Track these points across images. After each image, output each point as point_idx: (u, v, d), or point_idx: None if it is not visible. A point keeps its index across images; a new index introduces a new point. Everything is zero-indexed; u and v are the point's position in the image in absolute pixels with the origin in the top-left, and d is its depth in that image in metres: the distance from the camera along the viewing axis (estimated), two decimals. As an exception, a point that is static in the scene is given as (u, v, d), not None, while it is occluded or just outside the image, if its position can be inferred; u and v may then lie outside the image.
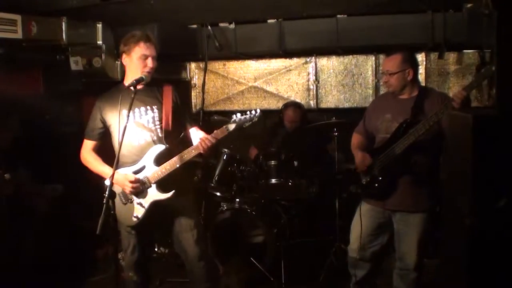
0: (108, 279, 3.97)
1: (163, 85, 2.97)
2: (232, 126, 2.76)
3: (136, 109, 2.87)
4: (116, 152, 2.90)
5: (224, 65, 5.38)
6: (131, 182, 2.80)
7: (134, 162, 2.88)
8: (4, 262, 3.61)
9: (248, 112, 2.77)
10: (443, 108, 2.74)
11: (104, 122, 2.92)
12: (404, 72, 2.99)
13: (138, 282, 2.99)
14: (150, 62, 2.82)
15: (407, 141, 2.89)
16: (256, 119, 2.77)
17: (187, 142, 3.00)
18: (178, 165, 2.81)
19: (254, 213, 3.97)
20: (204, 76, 4.68)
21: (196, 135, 2.98)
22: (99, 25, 4.27)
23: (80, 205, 4.59)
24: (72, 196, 4.63)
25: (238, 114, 2.77)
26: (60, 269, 4.08)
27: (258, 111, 2.78)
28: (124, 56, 2.88)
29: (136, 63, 2.83)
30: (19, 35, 3.55)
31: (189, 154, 2.81)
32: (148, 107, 2.88)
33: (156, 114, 2.88)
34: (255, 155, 4.50)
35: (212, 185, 4.24)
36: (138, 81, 2.72)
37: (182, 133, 3.11)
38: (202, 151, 2.80)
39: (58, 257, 4.16)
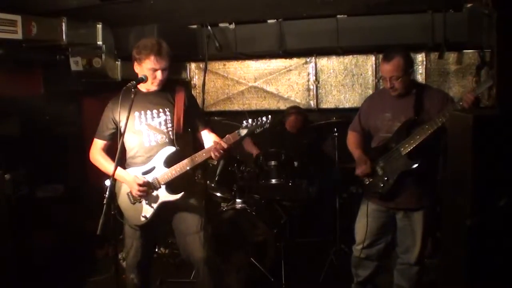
0: (108, 280, 3.96)
1: (176, 87, 2.99)
2: (243, 132, 2.77)
3: (148, 112, 2.89)
4: (128, 153, 2.95)
5: (224, 65, 5.38)
6: (139, 185, 2.81)
7: (145, 163, 2.89)
8: (4, 262, 3.61)
9: (259, 118, 2.78)
10: (451, 108, 2.74)
11: (115, 123, 2.92)
12: (408, 73, 3.00)
13: (138, 284, 2.99)
14: (159, 75, 2.82)
15: (414, 141, 2.89)
16: (268, 125, 2.78)
17: (199, 145, 3.01)
18: (188, 168, 2.83)
19: (254, 213, 3.97)
20: (204, 76, 4.67)
21: (208, 138, 3.00)
22: (99, 25, 4.27)
23: (80, 205, 4.60)
24: (72, 196, 4.64)
25: (250, 120, 2.78)
26: (60, 269, 4.08)
27: (270, 117, 2.79)
28: (135, 63, 2.89)
29: (146, 73, 2.83)
30: (19, 35, 3.54)
31: (200, 157, 2.82)
32: (161, 110, 2.90)
33: (169, 117, 2.90)
34: (256, 155, 4.49)
35: (213, 185, 4.24)
36: (138, 81, 2.74)
37: (192, 136, 3.10)
38: (213, 157, 2.80)
39: (58, 257, 4.17)
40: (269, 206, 4.32)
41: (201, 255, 2.91)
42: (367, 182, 3.14)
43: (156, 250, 4.44)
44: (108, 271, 4.04)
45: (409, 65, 3.01)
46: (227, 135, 2.83)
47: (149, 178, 2.86)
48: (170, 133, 2.89)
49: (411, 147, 2.91)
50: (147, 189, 2.84)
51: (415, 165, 2.93)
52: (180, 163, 2.83)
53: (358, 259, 3.29)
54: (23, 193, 4.24)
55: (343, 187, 4.50)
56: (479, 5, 3.43)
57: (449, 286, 2.32)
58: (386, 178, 3.04)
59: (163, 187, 2.86)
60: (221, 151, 2.78)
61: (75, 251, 4.33)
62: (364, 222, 3.20)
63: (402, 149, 2.95)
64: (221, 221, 4.01)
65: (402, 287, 3.24)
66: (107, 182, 2.71)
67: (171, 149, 2.86)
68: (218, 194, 4.28)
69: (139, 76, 2.82)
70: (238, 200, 4.07)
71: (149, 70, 2.82)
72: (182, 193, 2.85)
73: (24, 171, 4.29)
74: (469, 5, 3.96)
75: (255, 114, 5.13)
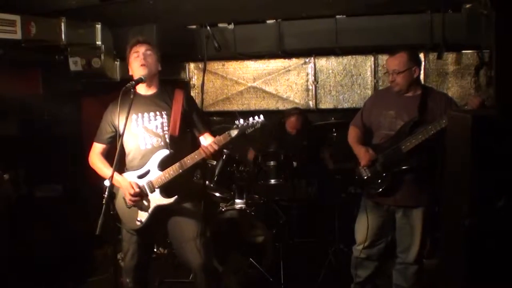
0: (107, 280, 3.96)
1: (175, 90, 2.98)
2: (234, 132, 2.73)
3: (145, 114, 2.88)
4: (126, 156, 2.93)
5: (223, 65, 5.38)
6: (131, 195, 2.79)
7: (140, 166, 2.87)
8: (3, 262, 3.60)
9: (251, 119, 2.74)
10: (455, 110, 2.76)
11: (114, 126, 2.92)
12: (411, 70, 3.02)
13: None
14: (142, 54, 2.86)
15: (416, 140, 2.91)
16: (259, 125, 2.74)
17: (197, 148, 2.99)
18: (180, 171, 2.79)
19: (253, 213, 3.97)
20: (203, 76, 4.66)
21: (206, 142, 2.94)
22: (98, 26, 4.27)
23: (79, 205, 4.60)
24: (71, 196, 4.64)
25: (241, 120, 2.74)
26: (59, 269, 4.08)
27: (262, 118, 2.75)
28: (128, 64, 2.94)
29: (132, 62, 2.89)
30: (18, 35, 3.54)
31: (192, 159, 2.78)
32: (158, 113, 2.88)
33: (165, 120, 2.87)
34: (254, 156, 4.50)
35: (212, 185, 4.24)
36: (137, 82, 2.73)
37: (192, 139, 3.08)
38: (205, 157, 2.78)
39: (57, 257, 4.17)
40: (268, 206, 4.32)
41: (198, 262, 2.84)
42: (366, 177, 3.15)
43: (155, 250, 4.45)
44: (107, 271, 4.05)
45: (413, 62, 3.03)
46: (217, 136, 2.80)
47: (144, 181, 2.84)
48: (166, 136, 2.86)
49: (412, 146, 2.93)
50: (139, 199, 2.82)
51: (414, 164, 2.94)
52: (172, 166, 2.79)
53: (359, 259, 3.30)
54: (22, 193, 4.25)
55: (342, 187, 4.50)
56: (478, 6, 3.43)
57: (448, 286, 2.33)
58: (384, 174, 3.05)
59: (157, 190, 2.83)
60: (212, 151, 2.75)
61: (74, 251, 4.33)
62: (364, 222, 3.21)
63: (403, 147, 2.96)
64: (220, 221, 4.01)
65: (402, 287, 3.25)
66: (106, 182, 2.70)
67: (165, 152, 2.83)
68: (217, 194, 4.28)
69: (134, 78, 2.83)
70: (237, 200, 4.07)
71: (134, 54, 2.88)
72: (176, 196, 2.81)
73: (23, 171, 4.30)
74: (468, 6, 3.97)
75: (251, 114, 5.19)
